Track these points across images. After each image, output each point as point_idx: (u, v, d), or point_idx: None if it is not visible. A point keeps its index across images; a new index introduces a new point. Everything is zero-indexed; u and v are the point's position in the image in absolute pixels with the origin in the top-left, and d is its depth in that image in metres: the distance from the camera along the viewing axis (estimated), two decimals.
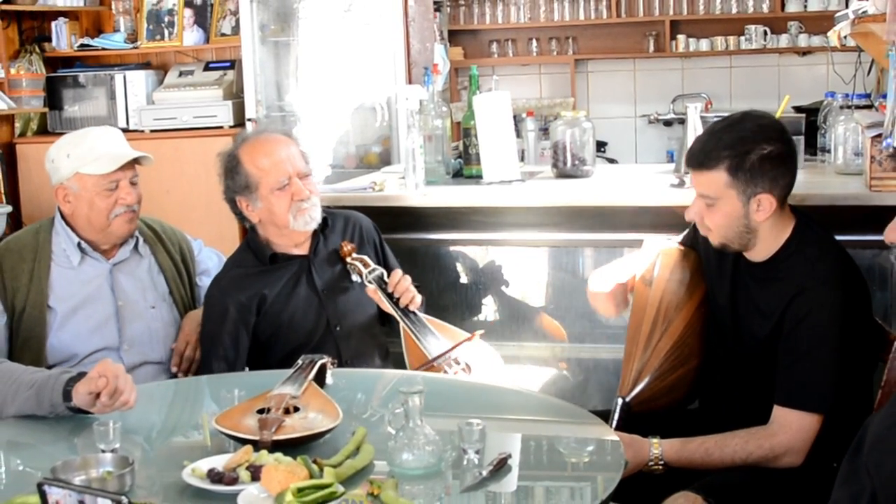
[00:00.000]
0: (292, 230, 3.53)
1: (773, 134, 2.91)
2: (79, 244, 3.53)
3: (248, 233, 3.68)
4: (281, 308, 3.55)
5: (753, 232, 2.93)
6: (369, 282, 3.55)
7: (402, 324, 3.53)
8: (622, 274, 3.35)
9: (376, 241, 3.78)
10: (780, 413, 2.85)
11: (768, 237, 2.95)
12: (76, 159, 3.50)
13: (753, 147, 2.86)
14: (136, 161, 3.57)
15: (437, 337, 3.53)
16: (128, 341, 3.53)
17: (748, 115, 3.00)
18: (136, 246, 3.64)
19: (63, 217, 3.56)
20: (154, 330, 3.59)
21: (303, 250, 3.62)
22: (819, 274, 2.88)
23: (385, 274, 3.58)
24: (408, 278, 3.58)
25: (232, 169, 3.58)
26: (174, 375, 3.59)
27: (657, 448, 2.88)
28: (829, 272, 2.89)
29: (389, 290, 3.54)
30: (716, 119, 4.50)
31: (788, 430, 2.82)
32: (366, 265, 3.58)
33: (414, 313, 3.55)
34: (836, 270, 2.91)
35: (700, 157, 2.94)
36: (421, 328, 3.53)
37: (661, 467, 2.88)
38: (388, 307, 3.54)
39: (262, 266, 3.59)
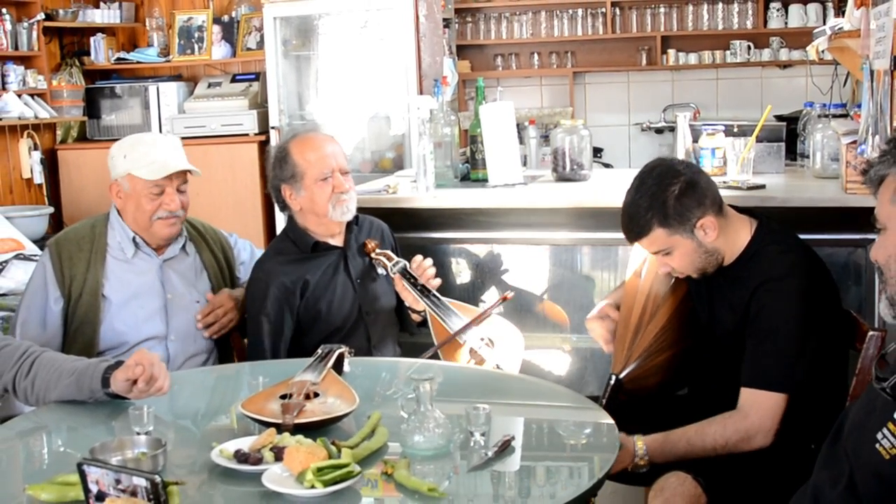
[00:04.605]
0: (330, 220, 3.58)
1: (671, 173, 2.95)
2: (133, 238, 3.53)
3: (288, 223, 3.72)
4: (321, 294, 3.58)
5: (715, 252, 2.96)
6: (394, 273, 3.60)
7: (427, 309, 3.57)
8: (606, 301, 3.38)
9: (392, 247, 3.82)
10: (746, 394, 2.84)
11: (729, 243, 2.97)
12: (131, 161, 3.50)
13: (665, 194, 2.90)
14: (187, 171, 3.56)
15: (460, 317, 3.57)
16: (174, 332, 3.53)
17: (643, 174, 3.01)
18: (183, 245, 3.64)
19: (118, 212, 3.57)
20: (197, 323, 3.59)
21: (339, 241, 3.66)
22: (780, 266, 2.89)
23: (407, 265, 3.62)
24: (429, 259, 3.65)
25: (281, 160, 3.62)
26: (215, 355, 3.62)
27: (641, 445, 2.85)
28: (790, 264, 2.89)
29: (416, 272, 3.60)
30: (704, 126, 4.53)
31: (757, 410, 2.81)
32: (389, 258, 3.64)
33: (438, 297, 3.59)
34: (797, 262, 2.91)
35: (634, 230, 2.98)
36: (445, 310, 3.57)
37: (645, 462, 2.85)
38: (413, 295, 3.59)
39: (302, 254, 3.62)
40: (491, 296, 4.50)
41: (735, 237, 2.97)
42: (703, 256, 2.96)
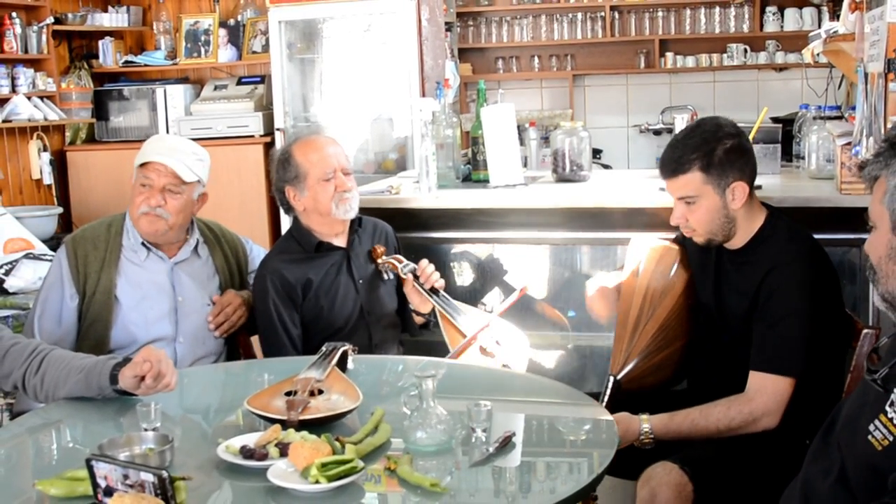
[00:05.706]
0: (333, 218, 3.58)
1: (730, 130, 2.96)
2: (143, 243, 3.53)
3: (292, 223, 3.73)
4: (324, 293, 3.58)
5: (733, 221, 2.96)
6: (405, 275, 3.61)
7: (437, 307, 3.59)
8: (608, 279, 3.37)
9: (395, 247, 3.83)
10: (755, 378, 2.85)
11: (744, 225, 2.98)
12: (139, 154, 3.52)
13: (717, 144, 2.91)
14: (181, 178, 3.49)
15: (468, 317, 3.59)
16: (183, 334, 3.52)
17: (703, 120, 3.06)
18: (196, 248, 3.63)
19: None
20: (207, 325, 3.57)
21: (342, 242, 3.67)
22: (790, 253, 2.90)
23: (416, 268, 3.64)
24: (432, 266, 3.66)
25: (284, 162, 3.63)
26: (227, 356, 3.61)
27: (646, 423, 2.90)
28: (799, 252, 2.91)
29: (421, 278, 3.61)
30: None
31: (764, 393, 2.82)
32: (399, 261, 3.65)
33: (447, 297, 3.62)
34: (806, 252, 2.92)
35: (673, 165, 2.97)
36: (454, 309, 3.60)
37: (650, 440, 2.89)
38: (420, 297, 3.61)
39: (307, 253, 3.62)
40: (492, 295, 4.50)
41: (751, 219, 2.99)
42: (721, 220, 2.96)
